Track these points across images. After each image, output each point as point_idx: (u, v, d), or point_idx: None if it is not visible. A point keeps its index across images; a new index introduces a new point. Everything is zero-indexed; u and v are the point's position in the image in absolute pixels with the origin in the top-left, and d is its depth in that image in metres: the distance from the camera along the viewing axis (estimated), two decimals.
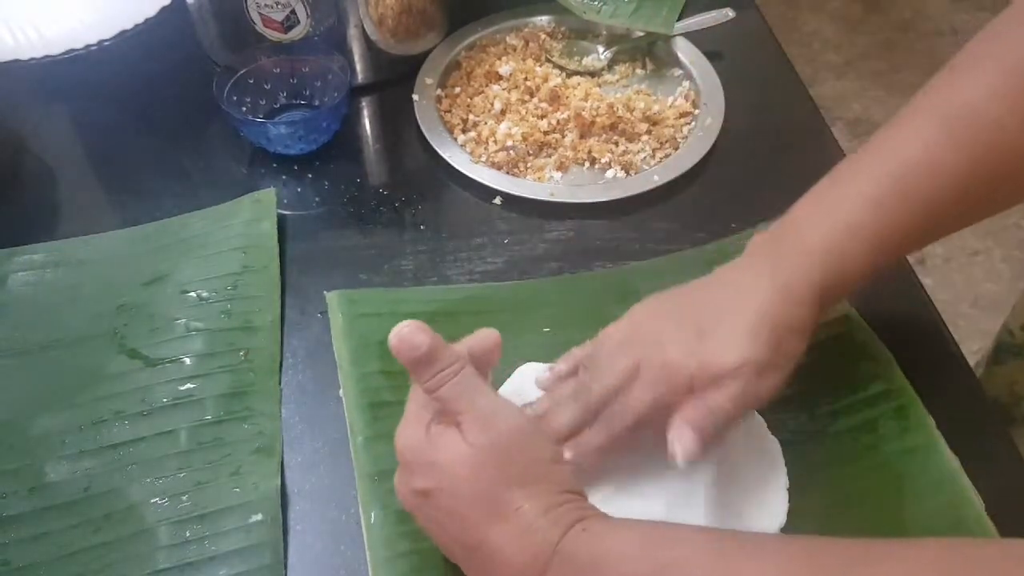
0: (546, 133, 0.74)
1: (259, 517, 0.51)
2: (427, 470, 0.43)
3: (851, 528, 0.50)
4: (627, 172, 0.72)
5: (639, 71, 0.82)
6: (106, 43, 0.81)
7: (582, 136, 0.74)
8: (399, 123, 0.77)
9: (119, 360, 0.58)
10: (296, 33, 0.75)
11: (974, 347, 0.80)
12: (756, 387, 0.46)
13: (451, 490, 0.42)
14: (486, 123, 0.74)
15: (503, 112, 0.75)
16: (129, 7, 0.83)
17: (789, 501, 0.50)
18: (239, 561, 0.49)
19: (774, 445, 0.53)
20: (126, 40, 0.81)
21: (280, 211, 0.68)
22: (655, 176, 0.70)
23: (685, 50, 0.81)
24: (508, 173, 0.71)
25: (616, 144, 0.73)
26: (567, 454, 0.46)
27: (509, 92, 0.77)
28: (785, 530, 0.49)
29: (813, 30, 2.22)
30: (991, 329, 0.79)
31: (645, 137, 0.74)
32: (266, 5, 0.72)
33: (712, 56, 0.80)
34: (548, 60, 0.82)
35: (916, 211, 0.48)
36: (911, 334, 0.60)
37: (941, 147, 0.47)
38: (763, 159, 0.74)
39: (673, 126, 0.75)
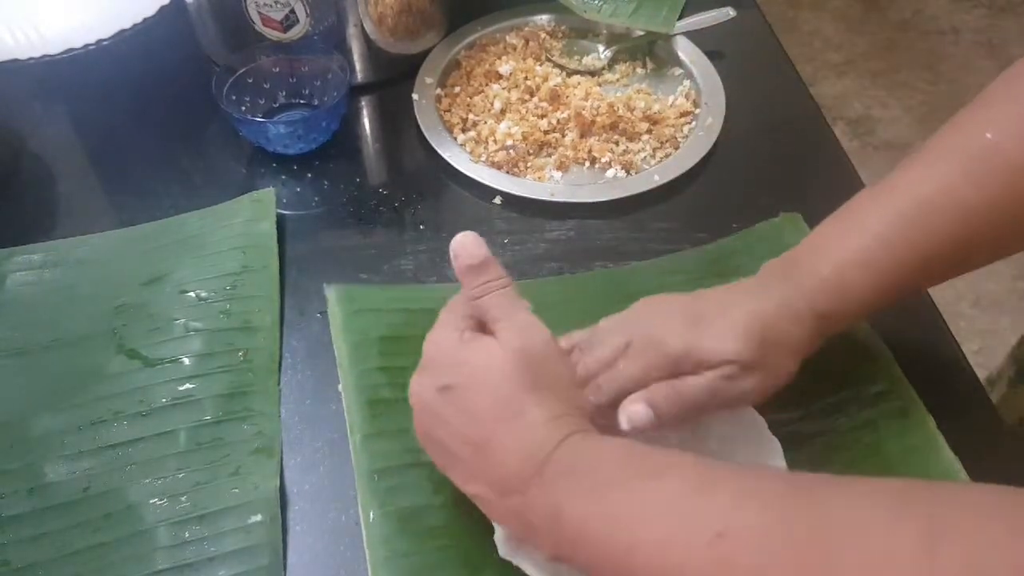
0: (546, 132, 0.73)
1: (258, 517, 0.51)
2: (455, 368, 0.45)
3: None
4: (627, 172, 0.72)
5: (639, 70, 0.82)
6: (105, 43, 0.81)
7: (582, 136, 0.74)
8: (399, 123, 0.76)
9: (118, 360, 0.58)
10: (295, 32, 0.74)
11: (974, 347, 0.80)
12: (733, 385, 0.48)
13: (474, 387, 0.44)
14: (486, 123, 0.74)
15: (503, 111, 0.75)
16: (128, 7, 0.83)
17: None
18: (238, 561, 0.49)
19: (774, 445, 0.53)
20: (125, 40, 0.81)
21: (279, 211, 0.68)
22: (655, 176, 0.70)
23: (686, 49, 0.81)
24: (508, 173, 0.71)
25: (616, 144, 0.73)
26: None
27: (509, 91, 0.77)
28: None
29: (814, 29, 2.22)
30: (991, 329, 0.79)
31: (645, 136, 0.74)
32: (265, 4, 0.72)
33: (713, 55, 0.80)
34: (548, 59, 0.82)
35: (927, 250, 0.48)
36: (911, 334, 0.60)
37: (958, 185, 0.48)
38: (763, 159, 0.74)
39: (674, 125, 0.75)
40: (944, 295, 1.59)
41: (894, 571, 0.31)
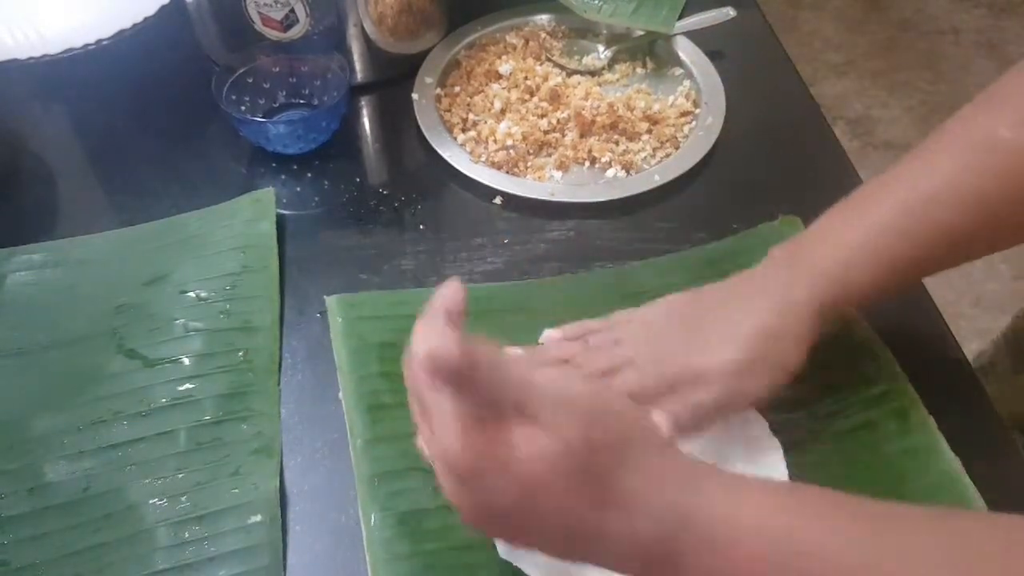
0: (546, 132, 0.73)
1: (258, 518, 0.51)
2: (503, 480, 0.35)
3: None
4: (627, 172, 0.72)
5: (639, 70, 0.82)
6: (105, 43, 0.81)
7: (582, 135, 0.74)
8: (399, 123, 0.76)
9: (118, 360, 0.58)
10: (295, 32, 0.74)
11: (974, 347, 0.79)
12: (737, 387, 0.49)
13: (542, 493, 0.36)
14: (486, 122, 0.74)
15: (503, 111, 0.75)
16: (128, 7, 0.83)
17: None
18: (238, 562, 0.49)
19: (774, 445, 0.53)
20: (125, 40, 0.81)
21: (279, 211, 0.68)
22: (655, 176, 0.70)
23: (686, 49, 0.81)
24: (508, 173, 0.71)
25: (616, 143, 0.73)
26: None
27: (509, 91, 0.77)
28: None
29: (814, 29, 2.22)
30: (991, 329, 0.79)
31: (645, 136, 0.74)
32: (265, 4, 0.72)
33: (713, 55, 0.80)
34: (548, 59, 0.82)
35: (929, 240, 0.49)
36: (911, 334, 0.60)
37: (960, 176, 0.48)
38: (763, 159, 0.74)
39: (674, 125, 0.75)
40: (944, 295, 1.59)
41: None
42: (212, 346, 0.58)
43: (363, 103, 0.80)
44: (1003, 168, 0.47)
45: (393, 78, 0.79)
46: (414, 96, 0.77)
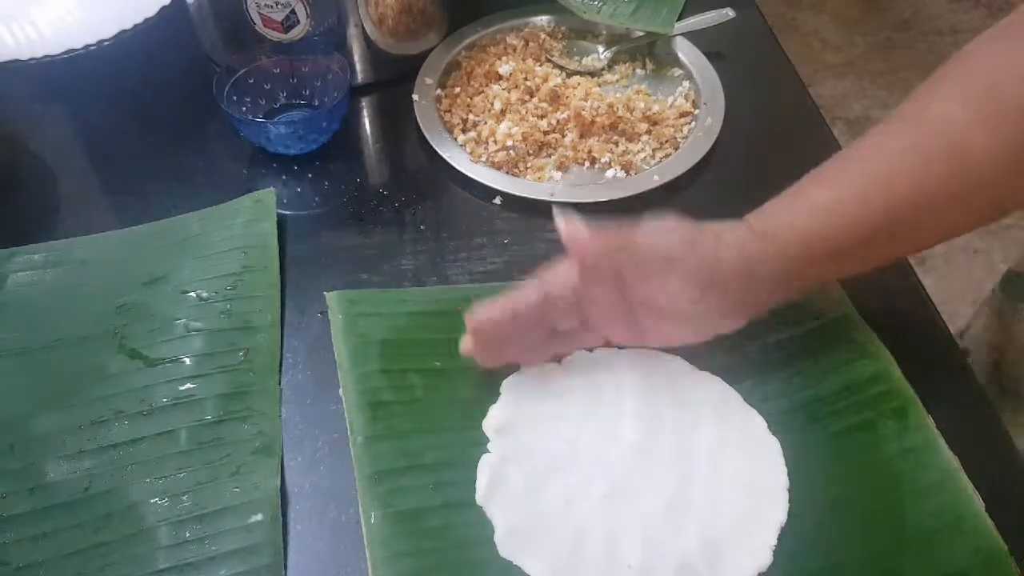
0: (546, 133, 0.74)
1: (259, 517, 0.51)
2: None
3: (851, 528, 0.50)
4: (627, 172, 0.72)
5: (639, 71, 0.82)
6: (105, 43, 0.81)
7: (582, 136, 0.74)
8: (399, 123, 0.77)
9: (119, 360, 0.58)
10: (296, 33, 0.75)
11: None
12: (692, 327, 0.52)
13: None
14: (486, 123, 0.74)
15: (503, 112, 0.75)
16: (129, 7, 0.83)
17: (789, 501, 0.50)
18: (239, 561, 0.49)
19: (774, 445, 0.53)
20: (126, 40, 0.81)
21: (280, 211, 0.68)
22: (655, 176, 0.70)
23: (685, 50, 0.81)
24: (508, 173, 0.71)
25: (616, 144, 0.73)
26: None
27: (509, 92, 0.77)
28: (785, 530, 0.49)
29: (813, 30, 2.22)
30: None
31: (645, 137, 0.74)
32: (266, 5, 0.72)
33: (712, 56, 0.80)
34: (548, 60, 0.82)
35: (887, 212, 0.49)
36: (911, 334, 0.60)
37: (913, 152, 0.48)
38: (763, 159, 0.74)
39: (673, 126, 0.75)
40: (944, 295, 1.59)
41: None
42: (213, 346, 0.58)
43: (363, 104, 0.80)
44: (948, 147, 0.47)
45: (393, 79, 0.79)
46: (414, 97, 0.77)
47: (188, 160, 0.74)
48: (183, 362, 0.58)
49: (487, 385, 0.56)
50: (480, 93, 0.77)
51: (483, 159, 0.72)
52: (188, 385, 0.56)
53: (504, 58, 0.80)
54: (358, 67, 0.78)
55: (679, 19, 0.83)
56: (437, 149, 0.72)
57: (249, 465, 0.53)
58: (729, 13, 0.82)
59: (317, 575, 0.50)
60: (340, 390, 0.56)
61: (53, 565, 0.49)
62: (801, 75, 0.82)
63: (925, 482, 0.52)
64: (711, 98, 0.77)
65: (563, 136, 0.74)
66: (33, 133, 0.77)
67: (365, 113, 0.80)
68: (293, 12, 0.73)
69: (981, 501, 0.50)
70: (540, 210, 0.69)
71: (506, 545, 0.49)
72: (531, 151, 0.73)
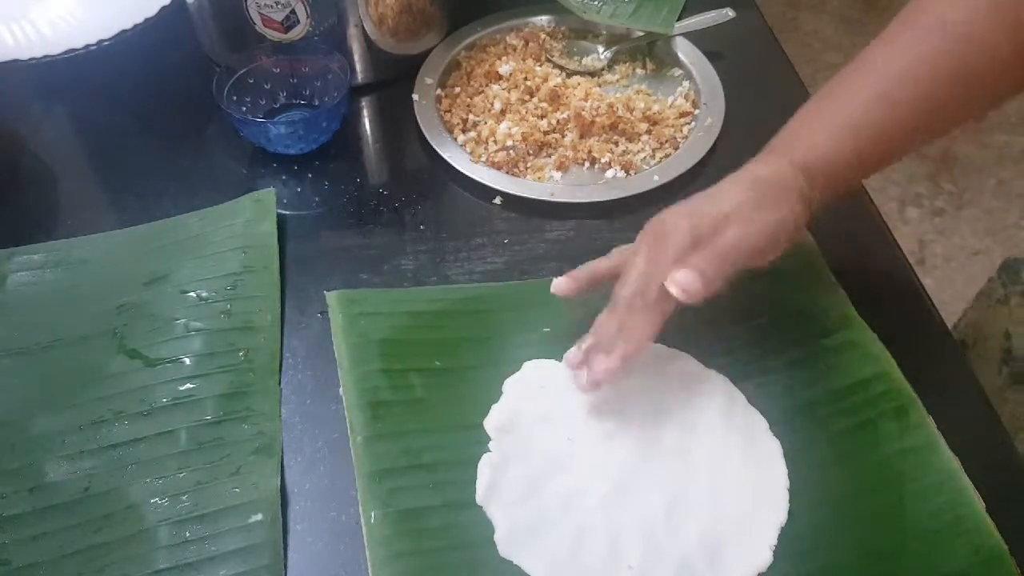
0: (546, 133, 0.74)
1: (259, 517, 0.51)
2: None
3: (851, 528, 0.50)
4: (627, 172, 0.72)
5: (639, 71, 0.82)
6: (106, 43, 0.81)
7: (582, 136, 0.74)
8: (399, 123, 0.77)
9: (119, 360, 0.58)
10: (296, 33, 0.75)
11: None
12: (754, 219, 0.51)
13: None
14: (486, 123, 0.74)
15: (503, 112, 0.75)
16: (129, 7, 0.83)
17: (789, 501, 0.50)
18: (239, 561, 0.49)
19: (774, 445, 0.53)
20: (126, 40, 0.81)
21: (280, 211, 0.68)
22: (655, 176, 0.70)
23: (685, 50, 0.81)
24: (508, 173, 0.71)
25: (616, 144, 0.73)
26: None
27: (509, 92, 0.77)
28: (785, 530, 0.49)
29: (813, 30, 2.22)
30: None
31: (645, 137, 0.74)
32: (266, 5, 0.72)
33: (712, 56, 0.80)
34: (548, 60, 0.82)
35: (902, 113, 0.53)
36: (912, 334, 0.60)
37: (919, 56, 0.53)
38: None
39: (673, 126, 0.75)
40: (944, 295, 1.59)
41: None
42: (213, 346, 0.58)
43: (363, 104, 0.80)
44: (949, 49, 0.52)
45: (393, 79, 0.79)
46: (414, 97, 0.77)
47: (188, 160, 0.74)
48: (183, 362, 0.57)
49: (488, 384, 0.56)
50: (480, 93, 0.77)
51: (483, 159, 0.72)
52: (188, 385, 0.56)
53: (504, 58, 0.80)
54: (358, 67, 0.78)
55: (679, 19, 0.83)
56: (437, 149, 0.72)
57: (249, 465, 0.53)
58: (729, 13, 0.82)
59: (317, 575, 0.50)
60: (340, 389, 0.56)
61: (53, 565, 0.49)
62: (801, 75, 0.82)
63: (925, 482, 0.52)
64: (711, 98, 0.77)
65: (563, 136, 0.74)
66: (33, 133, 0.77)
67: (365, 113, 0.80)
68: (293, 12, 0.73)
69: (981, 501, 0.50)
70: (540, 210, 0.69)
71: (506, 545, 0.49)
72: (531, 151, 0.73)
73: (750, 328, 0.59)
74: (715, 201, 0.52)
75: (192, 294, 0.61)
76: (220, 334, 0.59)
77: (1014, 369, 0.66)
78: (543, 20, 0.85)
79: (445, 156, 0.72)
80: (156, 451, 0.54)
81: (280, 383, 0.58)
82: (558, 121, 0.74)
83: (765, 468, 0.52)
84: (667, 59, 0.82)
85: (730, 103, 0.76)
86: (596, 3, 0.85)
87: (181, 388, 0.56)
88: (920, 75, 0.53)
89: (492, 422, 0.54)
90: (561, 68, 0.81)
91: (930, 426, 0.54)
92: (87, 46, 0.81)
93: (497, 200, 0.70)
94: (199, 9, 0.78)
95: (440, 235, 0.68)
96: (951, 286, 1.64)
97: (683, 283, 0.49)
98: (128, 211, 0.70)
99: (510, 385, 0.55)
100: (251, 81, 0.74)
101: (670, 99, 0.78)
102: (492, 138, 0.73)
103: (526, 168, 0.72)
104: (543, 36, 0.84)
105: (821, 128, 0.54)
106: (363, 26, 0.75)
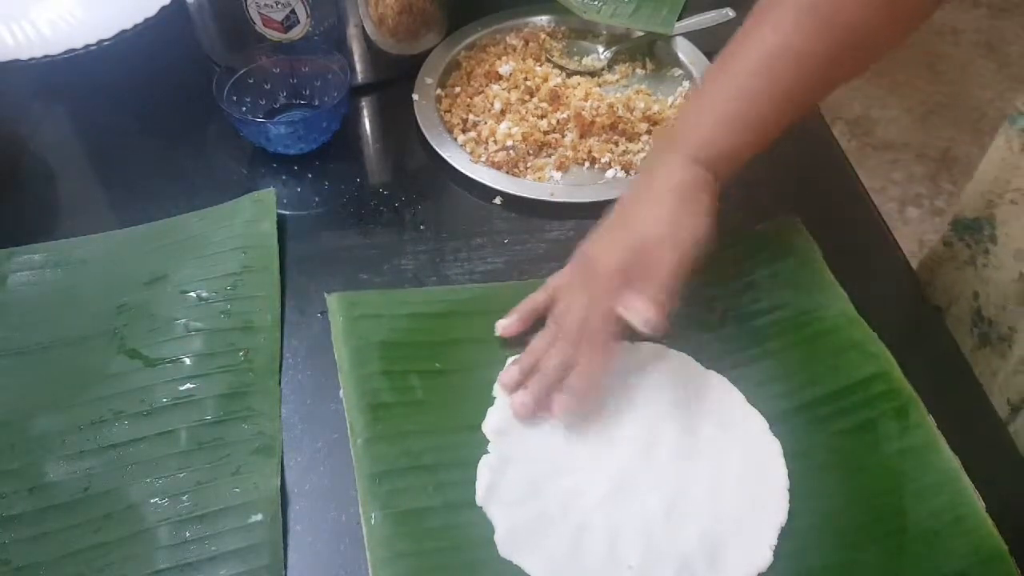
0: (546, 133, 0.74)
1: (259, 517, 0.51)
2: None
3: (851, 528, 0.50)
4: (627, 172, 0.72)
5: (639, 71, 0.82)
6: (106, 43, 0.81)
7: (582, 136, 0.74)
8: (399, 123, 0.77)
9: (119, 360, 0.58)
10: (296, 33, 0.75)
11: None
12: (677, 234, 0.53)
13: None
14: (486, 123, 0.74)
15: (503, 112, 0.75)
16: (129, 7, 0.83)
17: (789, 501, 0.50)
18: (239, 561, 0.49)
19: (774, 445, 0.53)
20: (126, 40, 0.81)
21: (280, 211, 0.68)
22: None
23: (685, 50, 0.81)
24: (508, 173, 0.71)
25: (616, 144, 0.73)
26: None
27: (509, 92, 0.77)
28: (785, 530, 0.49)
29: None
30: None
31: (645, 137, 0.74)
32: (266, 5, 0.72)
33: (712, 56, 0.80)
34: (548, 60, 0.82)
35: (776, 96, 0.56)
36: (911, 334, 0.60)
37: (791, 37, 0.55)
38: (763, 159, 0.73)
39: (673, 126, 0.75)
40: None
41: None
42: (213, 346, 0.58)
43: (363, 104, 0.80)
44: (821, 27, 0.54)
45: (393, 79, 0.79)
46: (414, 97, 0.77)
47: (188, 160, 0.74)
48: (183, 362, 0.57)
49: (488, 386, 0.56)
50: (480, 93, 0.77)
51: (483, 159, 0.72)
52: (188, 385, 0.56)
53: (504, 58, 0.80)
54: (358, 67, 0.78)
55: (679, 19, 0.83)
56: (437, 149, 0.72)
57: (249, 465, 0.53)
58: (729, 13, 0.82)
59: (317, 575, 0.50)
60: (340, 392, 0.56)
61: (53, 565, 0.49)
62: None
63: (925, 482, 0.52)
64: None
65: (563, 136, 0.74)
66: (33, 133, 0.77)
67: (365, 113, 0.80)
68: (293, 12, 0.73)
69: (981, 501, 0.50)
70: (540, 210, 0.69)
71: (506, 545, 0.49)
72: (531, 151, 0.73)
73: (750, 328, 0.59)
74: (635, 229, 0.54)
75: (192, 294, 0.61)
76: (220, 334, 0.59)
77: (982, 330, 0.66)
78: (543, 20, 0.85)
79: (445, 156, 0.72)
80: (156, 451, 0.54)
81: (280, 383, 0.58)
82: (558, 121, 0.74)
83: (765, 468, 0.52)
84: (667, 59, 0.82)
85: None
86: (596, 3, 0.85)
87: (181, 388, 0.56)
88: (801, 50, 0.54)
89: (490, 425, 0.54)
90: (561, 68, 0.81)
91: (930, 426, 0.54)
92: (87, 46, 0.81)
93: (497, 200, 0.70)
94: (199, 9, 0.78)
95: (440, 235, 0.67)
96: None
97: (642, 316, 0.51)
98: (128, 211, 0.70)
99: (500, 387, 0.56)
100: (251, 81, 0.74)
101: (670, 99, 0.78)
102: (492, 138, 0.73)
103: (526, 168, 0.72)
104: (543, 36, 0.83)
105: (720, 123, 0.56)
106: (363, 26, 0.75)
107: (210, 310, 0.60)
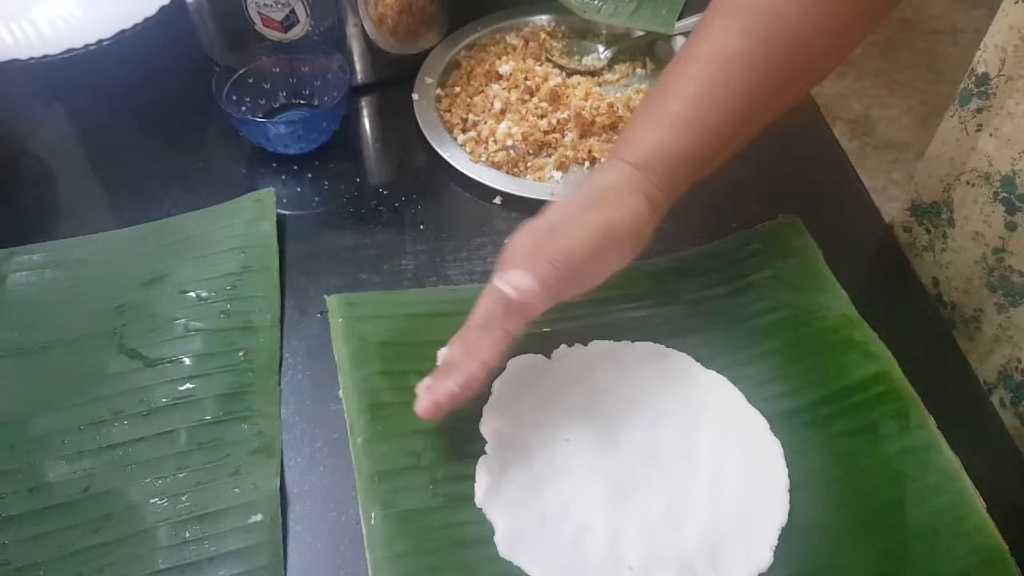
0: (546, 133, 0.74)
1: (259, 517, 0.51)
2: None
3: (851, 528, 0.50)
4: None
5: (639, 70, 0.82)
6: (105, 43, 0.81)
7: (582, 136, 0.74)
8: (399, 123, 0.77)
9: (118, 360, 0.58)
10: (295, 32, 0.75)
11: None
12: (585, 217, 0.52)
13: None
14: (486, 123, 0.74)
15: (503, 112, 0.75)
16: (129, 7, 0.83)
17: (789, 501, 0.50)
18: (239, 561, 0.49)
19: (774, 445, 0.53)
20: (125, 40, 0.81)
21: (280, 211, 0.68)
22: None
23: None
24: (508, 173, 0.71)
25: None
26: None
27: (509, 92, 0.77)
28: (786, 530, 0.49)
29: None
30: None
31: None
32: (265, 4, 0.72)
33: None
34: (548, 59, 0.82)
35: (727, 104, 0.54)
36: (912, 334, 0.60)
37: (746, 43, 0.54)
38: (763, 159, 0.74)
39: None
40: None
41: None
42: (212, 346, 0.58)
43: (363, 103, 0.80)
44: (779, 33, 0.53)
45: (393, 78, 0.79)
46: (414, 96, 0.77)
47: (188, 160, 0.74)
48: (183, 362, 0.57)
49: (487, 386, 0.56)
50: (480, 93, 0.77)
51: (483, 159, 0.72)
52: (188, 385, 0.56)
53: (504, 58, 0.80)
54: (358, 67, 0.78)
55: (679, 19, 0.83)
56: (437, 149, 0.72)
57: (249, 465, 0.53)
58: None
59: (317, 575, 0.50)
60: (340, 392, 0.56)
61: (53, 565, 0.49)
62: None
63: (925, 482, 0.52)
64: None
65: (563, 136, 0.74)
66: (33, 133, 0.77)
67: (365, 113, 0.80)
68: (293, 12, 0.73)
69: (982, 501, 0.50)
70: (540, 210, 0.69)
71: (506, 545, 0.49)
72: (531, 151, 0.73)
73: (750, 328, 0.59)
74: (551, 212, 0.53)
75: (192, 294, 0.61)
76: (220, 334, 0.59)
77: (946, 315, 0.66)
78: (543, 20, 0.85)
79: (445, 156, 0.72)
80: (156, 451, 0.54)
81: (280, 383, 0.58)
82: (558, 121, 0.74)
83: (765, 468, 0.52)
84: (667, 59, 0.82)
85: None
86: (596, 3, 0.85)
87: (181, 388, 0.56)
88: (754, 57, 0.53)
89: (487, 424, 0.54)
90: (561, 68, 0.81)
91: (930, 426, 0.54)
92: (87, 46, 0.81)
93: (497, 200, 0.70)
94: (199, 9, 0.78)
95: (440, 235, 0.67)
96: None
97: (513, 281, 0.50)
98: (128, 211, 0.70)
99: (497, 385, 0.55)
100: (251, 81, 0.74)
101: None
102: (492, 138, 0.73)
103: (526, 168, 0.72)
104: (543, 36, 0.83)
105: (658, 125, 0.54)
106: (363, 26, 0.75)
107: (210, 310, 0.60)
